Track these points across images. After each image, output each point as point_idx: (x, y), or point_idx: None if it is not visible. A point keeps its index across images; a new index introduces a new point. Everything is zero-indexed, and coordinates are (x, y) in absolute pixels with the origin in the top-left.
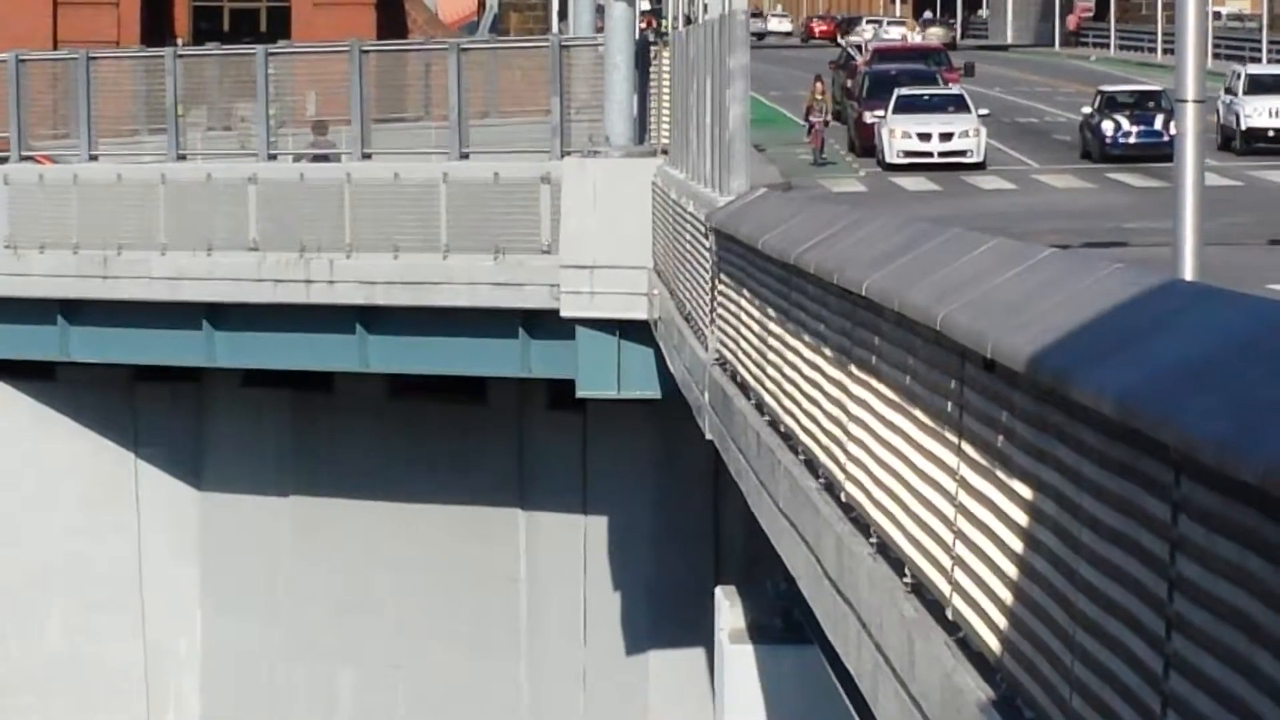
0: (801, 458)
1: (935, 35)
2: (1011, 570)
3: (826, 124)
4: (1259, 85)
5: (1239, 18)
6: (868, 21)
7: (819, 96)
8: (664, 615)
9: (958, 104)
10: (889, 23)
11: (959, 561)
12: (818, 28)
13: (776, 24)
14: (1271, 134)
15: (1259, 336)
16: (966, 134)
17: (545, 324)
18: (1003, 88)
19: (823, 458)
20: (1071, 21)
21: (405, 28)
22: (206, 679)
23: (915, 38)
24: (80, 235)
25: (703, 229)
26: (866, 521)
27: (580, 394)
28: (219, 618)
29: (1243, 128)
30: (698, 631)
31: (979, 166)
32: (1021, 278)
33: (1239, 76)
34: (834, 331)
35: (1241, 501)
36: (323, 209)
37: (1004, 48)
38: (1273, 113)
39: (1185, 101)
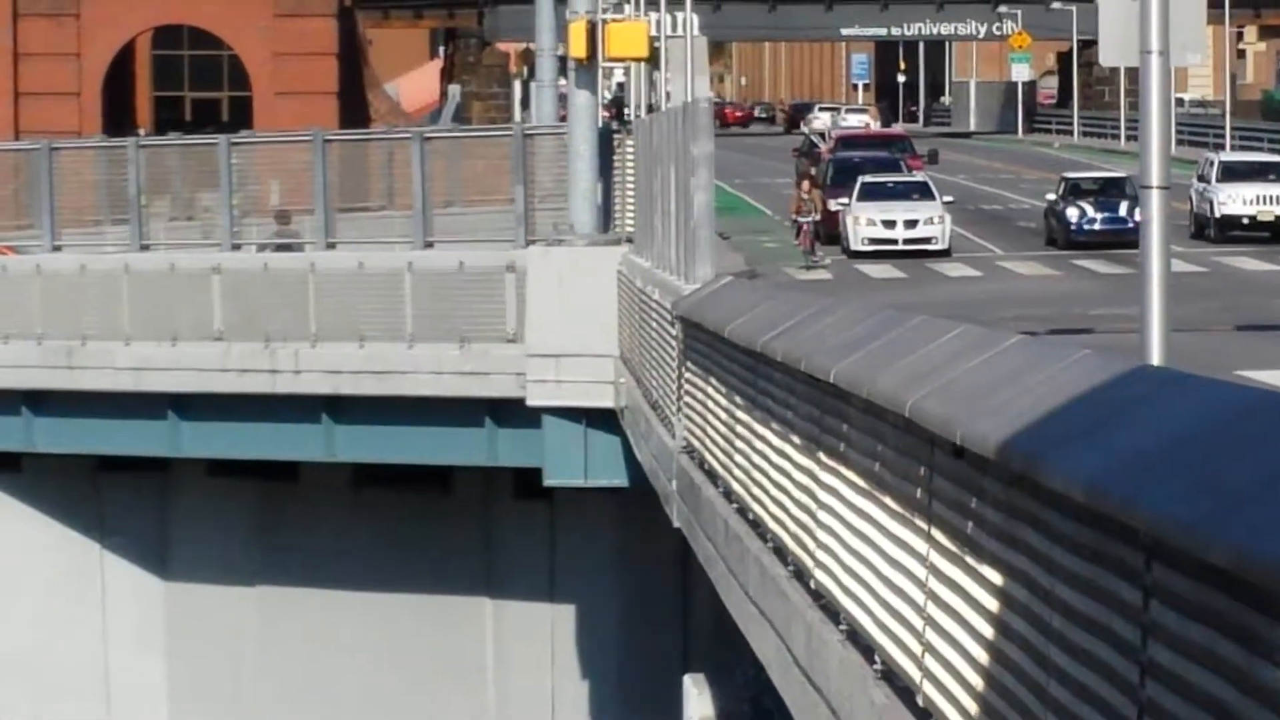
0: (770, 545)
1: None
2: (982, 656)
3: (818, 224)
4: (1232, 172)
5: (1202, 104)
6: (820, 109)
7: (806, 195)
8: (633, 704)
9: (922, 191)
10: (848, 110)
11: (929, 648)
12: (731, 114)
13: None
14: (1246, 221)
15: (1227, 421)
16: (931, 221)
17: (511, 413)
18: (967, 175)
19: (792, 545)
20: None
21: (368, 117)
22: None
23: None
24: (44, 325)
25: (669, 317)
26: (836, 608)
27: (547, 482)
28: (185, 708)
29: (1217, 215)
30: None
31: (944, 254)
32: (990, 364)
33: (1212, 164)
34: (802, 418)
35: (1212, 586)
36: (287, 298)
37: (967, 135)
38: (1247, 200)
39: (1150, 188)
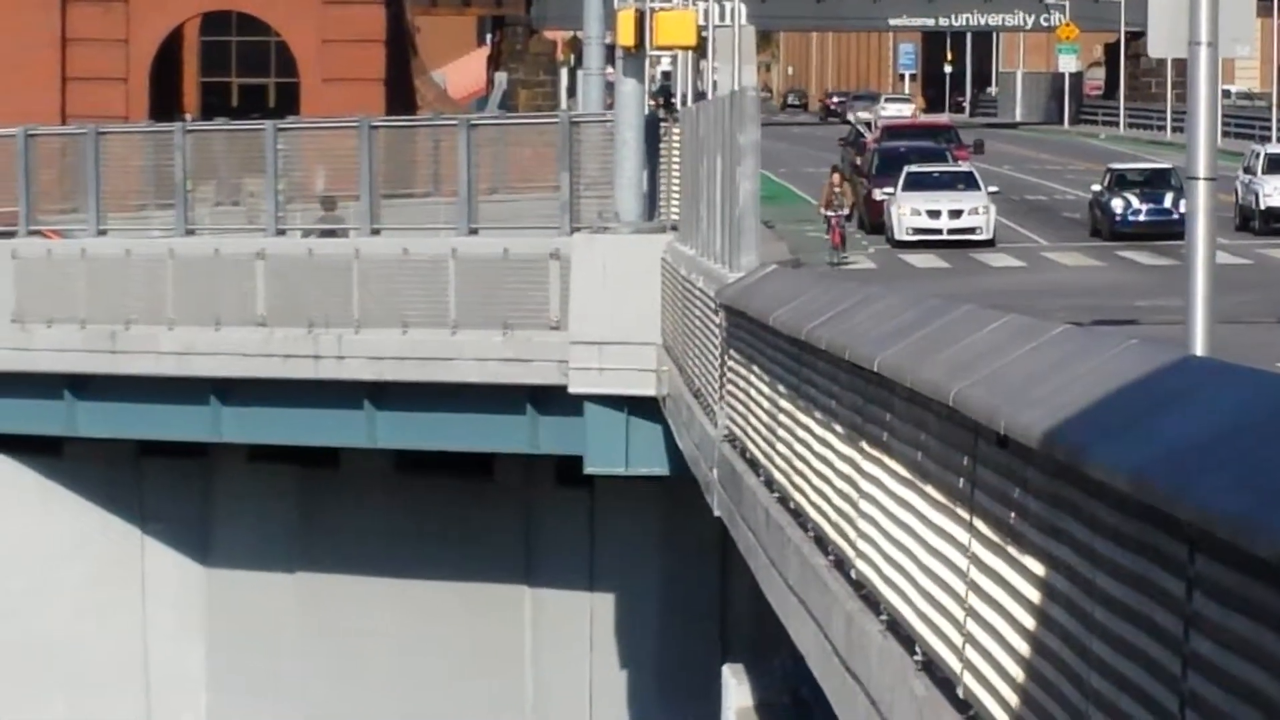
0: (811, 535)
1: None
2: (1024, 648)
3: (849, 218)
4: (1278, 165)
5: (1248, 96)
6: (855, 98)
7: (838, 189)
8: (671, 694)
9: (967, 181)
10: (887, 99)
11: (970, 639)
12: None
13: None
14: None
15: (1274, 412)
16: (976, 211)
17: (553, 400)
18: (1012, 165)
19: (833, 535)
20: None
21: (414, 103)
22: None
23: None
24: (88, 310)
25: (712, 305)
26: (877, 599)
27: (588, 470)
28: (225, 695)
29: (1262, 207)
30: (705, 710)
31: (988, 244)
32: (1035, 354)
33: (1258, 156)
34: (845, 408)
35: (1257, 578)
36: (331, 284)
37: (1013, 125)
38: None
39: (1196, 179)
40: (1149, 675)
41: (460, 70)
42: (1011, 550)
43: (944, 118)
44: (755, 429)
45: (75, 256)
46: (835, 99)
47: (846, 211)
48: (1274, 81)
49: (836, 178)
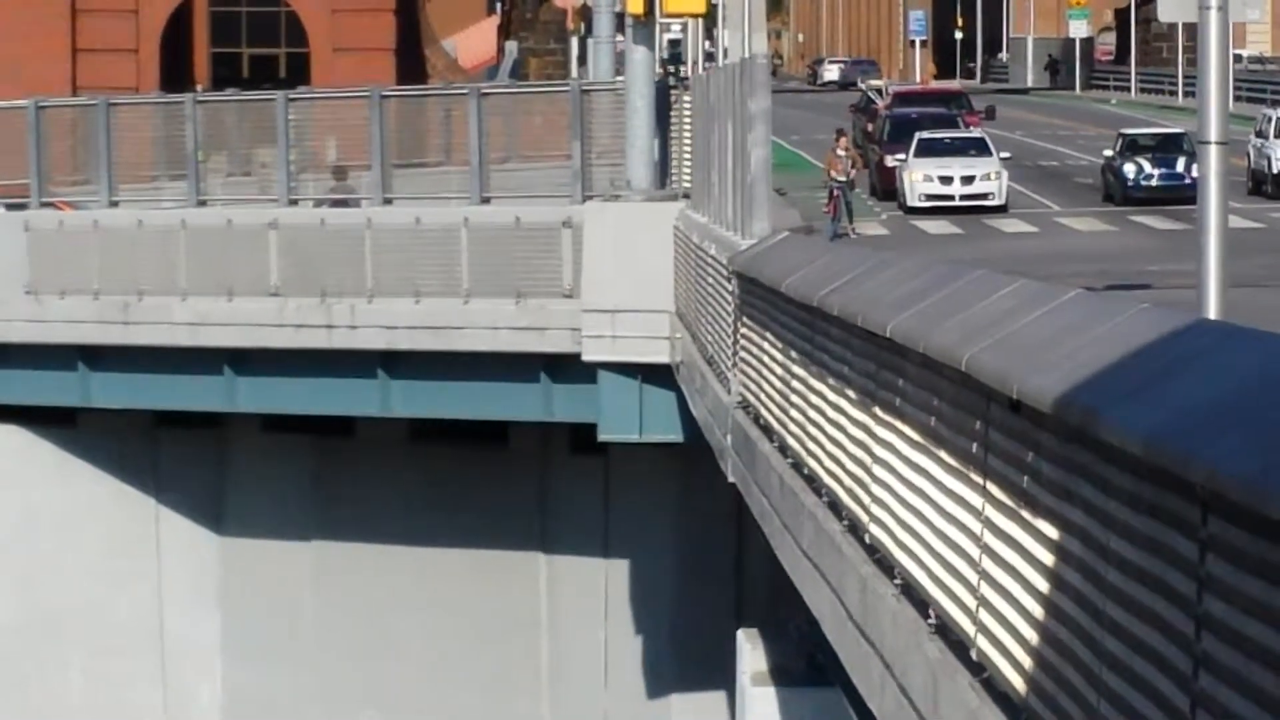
0: (825, 500)
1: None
2: (1037, 610)
3: (852, 186)
4: None
5: (1260, 60)
6: (830, 62)
7: (841, 153)
8: (686, 658)
9: (979, 147)
10: (853, 63)
11: (984, 602)
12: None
13: None
14: None
15: None
16: (988, 177)
17: (567, 368)
18: (1024, 131)
19: (847, 500)
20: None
21: (425, 73)
22: None
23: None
24: (101, 281)
25: (725, 272)
26: (891, 563)
27: (602, 438)
28: (240, 664)
29: (1273, 171)
30: (720, 674)
31: (1001, 209)
32: (1047, 318)
33: (1269, 120)
34: (858, 373)
35: (1269, 539)
36: (344, 254)
37: (1024, 91)
38: None
39: (1208, 143)
40: (1162, 637)
41: (470, 39)
42: (1024, 514)
43: (955, 84)
44: (768, 395)
45: (88, 228)
46: (815, 64)
47: (844, 178)
48: None
49: (843, 141)
